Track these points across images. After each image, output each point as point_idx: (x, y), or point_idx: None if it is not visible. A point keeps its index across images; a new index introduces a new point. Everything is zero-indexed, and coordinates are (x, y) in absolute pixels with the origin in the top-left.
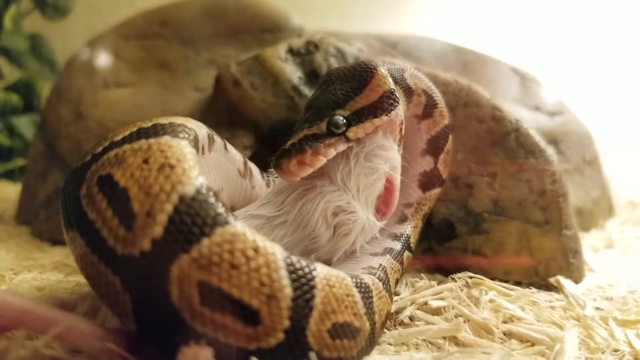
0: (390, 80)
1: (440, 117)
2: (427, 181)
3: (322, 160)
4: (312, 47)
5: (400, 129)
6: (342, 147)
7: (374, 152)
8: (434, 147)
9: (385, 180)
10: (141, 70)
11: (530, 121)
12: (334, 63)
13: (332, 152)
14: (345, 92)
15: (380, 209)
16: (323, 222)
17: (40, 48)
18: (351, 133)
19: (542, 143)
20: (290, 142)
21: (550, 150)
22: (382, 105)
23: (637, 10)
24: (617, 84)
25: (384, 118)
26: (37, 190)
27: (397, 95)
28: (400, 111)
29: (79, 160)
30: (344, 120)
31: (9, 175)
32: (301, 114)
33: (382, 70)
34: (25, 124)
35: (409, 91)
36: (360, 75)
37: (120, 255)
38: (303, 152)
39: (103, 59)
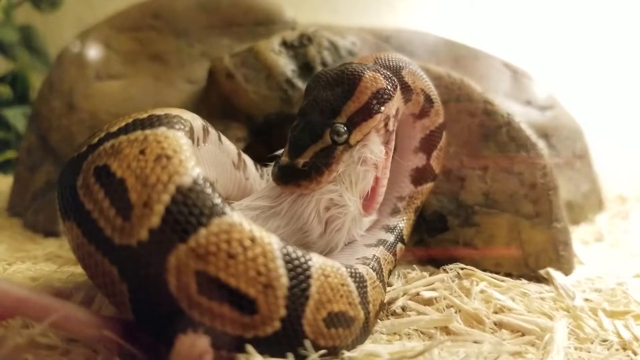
0: (381, 77)
1: (436, 115)
2: (420, 176)
3: (335, 175)
4: (306, 40)
5: (386, 124)
6: (347, 155)
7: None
8: (427, 145)
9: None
10: (134, 62)
11: (521, 115)
12: (328, 56)
13: (342, 165)
14: (338, 98)
15: (365, 204)
16: (315, 216)
17: (32, 40)
18: (352, 139)
19: (533, 137)
20: (303, 160)
21: (541, 144)
22: (373, 105)
23: (628, 7)
24: (608, 79)
25: (378, 117)
26: (29, 182)
27: (390, 90)
28: (388, 107)
29: (74, 152)
30: (345, 128)
31: (1, 167)
32: (294, 107)
33: (369, 72)
34: (16, 116)
35: (407, 90)
36: (347, 79)
37: (117, 245)
38: (321, 173)
39: (95, 51)
